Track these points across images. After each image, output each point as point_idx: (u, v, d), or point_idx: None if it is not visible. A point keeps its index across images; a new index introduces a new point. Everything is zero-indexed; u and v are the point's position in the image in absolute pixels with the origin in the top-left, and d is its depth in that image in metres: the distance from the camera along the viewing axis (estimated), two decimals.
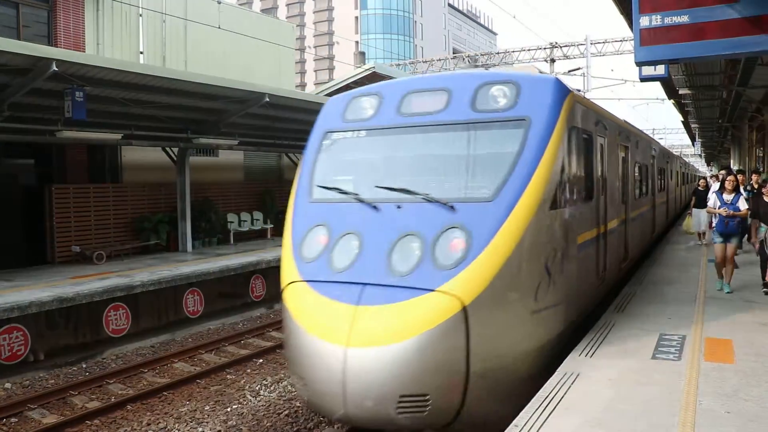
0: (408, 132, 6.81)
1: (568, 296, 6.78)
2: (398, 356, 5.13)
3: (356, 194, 6.45)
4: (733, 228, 9.64)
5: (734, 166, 28.79)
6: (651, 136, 19.26)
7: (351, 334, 5.25)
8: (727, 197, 9.75)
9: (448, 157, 6.54)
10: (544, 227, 6.16)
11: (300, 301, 5.94)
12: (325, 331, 5.42)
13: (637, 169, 11.94)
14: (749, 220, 10.51)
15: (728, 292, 9.50)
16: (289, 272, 6.43)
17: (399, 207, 6.12)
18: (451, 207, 5.87)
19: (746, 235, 11.84)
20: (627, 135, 10.86)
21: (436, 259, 5.58)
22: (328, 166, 7.10)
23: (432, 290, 5.36)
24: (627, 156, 10.66)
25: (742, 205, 9.67)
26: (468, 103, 6.58)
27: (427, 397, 5.20)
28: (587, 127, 7.57)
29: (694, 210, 15.17)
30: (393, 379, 5.13)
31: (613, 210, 9.21)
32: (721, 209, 9.68)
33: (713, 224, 10.17)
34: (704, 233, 14.75)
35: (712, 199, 10.10)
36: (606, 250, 8.67)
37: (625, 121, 11.78)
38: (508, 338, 5.75)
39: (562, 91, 6.61)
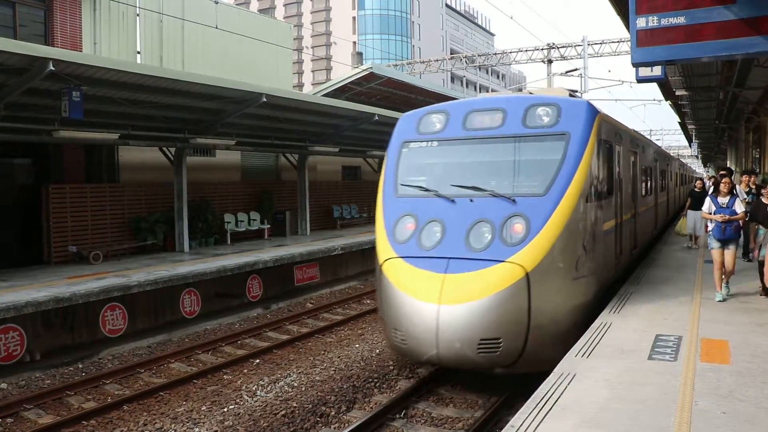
0: (473, 143, 8.67)
1: (597, 269, 8.69)
2: (478, 310, 6.96)
3: (436, 191, 8.29)
4: (731, 233, 8.99)
5: (731, 167, 28.85)
6: (653, 141, 21.54)
7: (442, 295, 7.06)
8: (722, 200, 9.16)
9: (507, 163, 8.29)
10: (581, 216, 8.00)
11: (398, 272, 7.65)
12: (421, 293, 7.22)
13: (643, 171, 13.65)
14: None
15: (724, 297, 9.12)
16: (385, 251, 8.05)
17: (471, 201, 7.98)
18: (513, 200, 7.75)
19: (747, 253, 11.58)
20: (636, 142, 12.60)
21: (503, 239, 7.45)
22: (408, 168, 8.91)
23: (502, 261, 7.21)
24: (636, 160, 12.36)
25: (739, 208, 9.06)
26: (520, 120, 8.45)
27: (500, 341, 7.00)
28: (609, 138, 9.51)
29: (689, 211, 14.51)
30: (474, 327, 6.94)
31: (626, 205, 11.06)
32: (717, 216, 9.02)
33: (709, 228, 9.39)
34: (697, 237, 14.42)
35: (706, 203, 9.43)
36: (621, 237, 10.54)
37: (634, 130, 13.60)
38: (556, 298, 7.55)
39: (593, 111, 8.59)
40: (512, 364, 7.17)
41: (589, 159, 8.15)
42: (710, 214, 9.22)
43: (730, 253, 9.07)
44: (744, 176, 12.27)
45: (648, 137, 18.14)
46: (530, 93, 10.40)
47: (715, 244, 9.14)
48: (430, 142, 8.97)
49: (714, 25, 4.80)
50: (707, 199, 9.47)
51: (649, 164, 14.71)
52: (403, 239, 7.99)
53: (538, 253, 7.29)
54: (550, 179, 7.81)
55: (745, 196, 11.81)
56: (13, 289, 10.80)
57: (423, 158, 8.98)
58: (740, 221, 9.11)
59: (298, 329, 12.40)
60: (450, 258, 7.42)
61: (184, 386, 9.04)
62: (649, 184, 14.67)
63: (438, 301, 7.04)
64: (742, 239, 10.24)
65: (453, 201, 8.05)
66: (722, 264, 9.06)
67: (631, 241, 11.63)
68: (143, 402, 8.43)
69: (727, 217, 8.93)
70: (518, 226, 7.49)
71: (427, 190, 8.39)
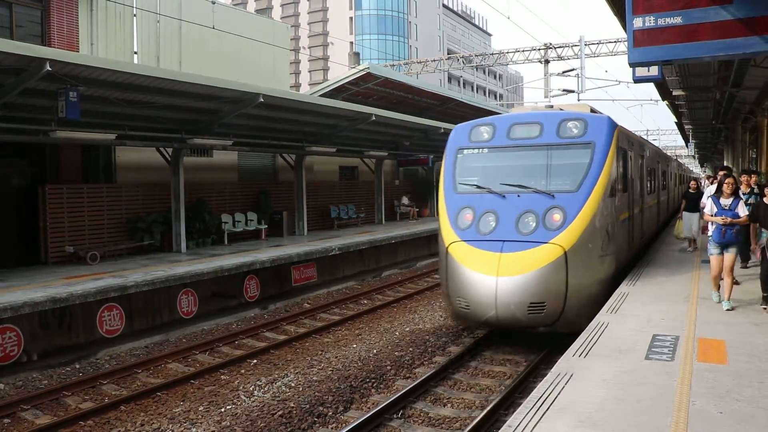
0: (517, 150, 10.47)
1: (617, 250, 10.65)
2: (528, 280, 8.80)
3: (489, 188, 10.08)
4: (732, 237, 8.52)
5: (728, 166, 28.89)
6: (657, 145, 24.36)
7: (499, 269, 8.89)
8: (725, 202, 8.64)
9: (545, 166, 10.05)
10: (605, 208, 9.85)
11: (462, 252, 9.47)
12: (482, 268, 9.05)
13: (649, 173, 15.62)
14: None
15: (728, 309, 8.49)
16: (449, 236, 9.88)
17: (518, 196, 9.79)
18: (552, 195, 9.57)
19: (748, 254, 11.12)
20: (643, 147, 14.75)
21: (545, 225, 9.29)
22: (463, 170, 10.71)
23: (545, 243, 9.06)
24: (643, 163, 14.27)
25: (742, 210, 8.56)
26: (554, 132, 10.29)
27: (544, 304, 8.84)
28: (624, 146, 11.31)
29: (684, 213, 13.97)
30: (525, 293, 8.76)
31: (636, 201, 13.08)
32: (719, 218, 8.54)
33: (709, 230, 8.95)
34: (695, 240, 14.13)
35: (708, 204, 8.94)
36: (633, 227, 12.46)
37: (641, 137, 16.20)
38: (587, 271, 9.43)
39: (613, 125, 10.53)
40: (553, 323, 9.08)
41: (611, 163, 10.02)
42: (711, 216, 8.76)
43: (729, 256, 8.64)
44: (743, 176, 11.53)
45: (652, 142, 22.42)
46: (560, 109, 12.00)
47: (714, 250, 8.72)
48: (481, 149, 10.83)
49: (711, 25, 4.81)
50: (708, 200, 9.02)
51: (653, 166, 16.64)
52: (464, 227, 9.81)
53: (573, 236, 9.16)
54: (580, 179, 9.70)
55: (745, 197, 11.42)
56: (10, 290, 10.77)
57: (476, 162, 10.78)
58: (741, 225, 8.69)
59: (296, 329, 12.40)
60: (504, 241, 9.25)
61: (181, 386, 9.03)
62: (653, 183, 16.61)
63: (496, 273, 8.88)
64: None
65: (503, 196, 9.88)
66: (721, 271, 8.68)
67: (640, 230, 13.64)
68: (140, 402, 8.42)
69: (729, 219, 8.47)
70: (557, 216, 9.36)
71: (481, 188, 10.22)
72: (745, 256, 11.74)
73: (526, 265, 8.87)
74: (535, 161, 10.15)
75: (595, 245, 9.61)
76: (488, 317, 8.94)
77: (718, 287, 8.92)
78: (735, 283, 9.26)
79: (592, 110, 12.02)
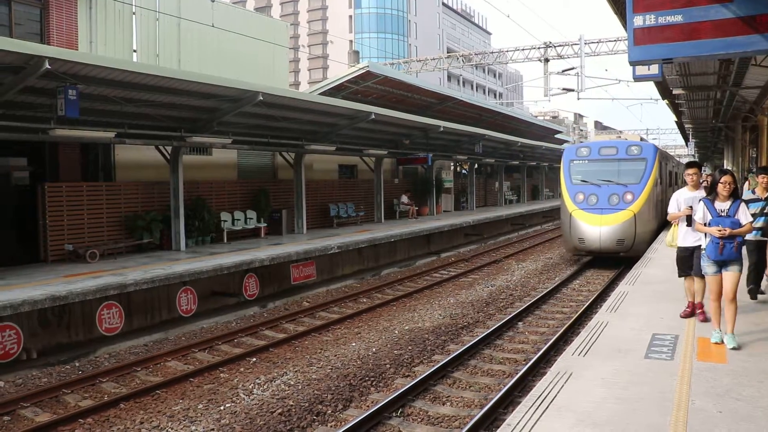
0: (604, 162, 18.53)
1: (657, 215, 18.52)
2: (616, 228, 17.37)
3: (590, 182, 18.16)
4: (732, 253, 6.80)
5: (729, 167, 28.90)
6: (671, 153, 37.05)
7: (601, 223, 17.45)
8: (722, 206, 6.93)
9: (620, 170, 18.10)
10: (653, 193, 17.98)
11: (580, 215, 17.84)
12: (592, 222, 17.65)
13: (669, 173, 22.72)
14: None
15: (733, 348, 6.76)
16: (571, 207, 17.98)
17: (608, 186, 17.96)
18: (625, 185, 17.79)
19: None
20: (668, 159, 23.39)
21: (623, 200, 17.63)
22: (575, 172, 18.65)
23: (624, 210, 17.46)
24: (666, 167, 21.45)
25: (744, 216, 6.86)
26: (625, 152, 18.43)
27: (624, 240, 17.35)
28: (661, 159, 19.39)
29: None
30: (614, 234, 17.39)
31: (664, 191, 20.26)
32: (714, 228, 6.83)
33: (702, 244, 7.21)
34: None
35: (699, 209, 7.14)
36: (663, 204, 17.88)
37: (667, 152, 26.66)
38: (645, 225, 17.67)
39: (655, 148, 18.84)
40: (628, 251, 17.23)
41: (655, 169, 18.16)
42: (705, 225, 7.01)
43: (730, 276, 6.87)
44: (761, 176, 9.43)
45: (671, 154, 33.52)
46: (626, 139, 24.71)
47: (709, 269, 7.03)
48: (583, 160, 18.86)
49: (711, 24, 4.80)
50: (700, 204, 7.17)
51: (671, 169, 24.22)
52: (579, 202, 18.10)
53: (638, 206, 17.48)
54: (640, 177, 17.77)
55: (762, 204, 9.14)
56: (10, 288, 10.76)
57: (581, 168, 18.78)
58: (743, 236, 7.03)
59: (295, 328, 12.39)
60: (602, 209, 17.56)
61: (180, 384, 9.03)
62: (672, 179, 24.12)
63: (600, 225, 17.37)
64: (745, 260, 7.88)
65: (599, 186, 18.05)
66: (720, 293, 6.97)
67: (662, 212, 18.42)
68: (140, 400, 8.42)
69: (728, 230, 6.76)
70: (629, 196, 17.62)
71: (585, 181, 18.39)
72: (757, 283, 9.40)
73: (615, 220, 17.32)
74: (615, 168, 18.22)
75: (648, 212, 17.80)
76: (594, 248, 17.63)
77: (719, 321, 7.10)
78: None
79: (642, 139, 24.73)
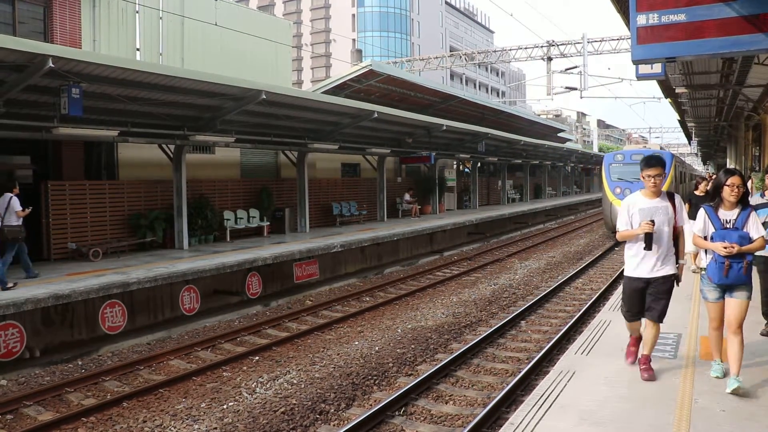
0: (633, 165, 21.77)
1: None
2: None
3: (626, 179, 23.40)
4: (740, 275, 5.41)
5: (732, 166, 28.85)
6: (685, 159, 43.61)
7: None
8: (727, 215, 5.56)
9: None
10: (671, 187, 22.98)
11: (617, 203, 22.50)
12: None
13: (681, 174, 27.06)
14: None
15: (734, 391, 5.31)
16: (611, 197, 23.86)
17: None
18: None
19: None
20: (682, 162, 30.31)
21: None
22: (613, 172, 24.23)
23: None
24: (679, 168, 25.79)
25: (755, 230, 5.45)
26: None
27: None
28: (676, 163, 25.27)
29: (686, 227, 9.41)
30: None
31: (678, 187, 24.17)
32: (718, 244, 5.44)
33: (703, 262, 5.84)
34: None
35: (700, 219, 5.73)
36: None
37: (681, 158, 36.39)
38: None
39: (672, 155, 24.82)
40: None
41: (672, 170, 22.66)
42: (706, 239, 5.65)
43: (736, 303, 5.53)
44: None
45: (684, 159, 48.00)
46: (650, 148, 27.12)
47: (711, 294, 5.68)
48: (619, 164, 23.87)
49: (715, 23, 4.79)
50: (701, 213, 5.75)
51: (683, 171, 29.96)
52: (616, 193, 23.23)
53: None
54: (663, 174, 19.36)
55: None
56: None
57: (617, 169, 23.81)
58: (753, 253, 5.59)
59: (298, 326, 12.40)
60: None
61: (183, 383, 9.04)
62: (683, 177, 28.96)
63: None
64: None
65: (631, 182, 22.02)
66: (722, 321, 5.69)
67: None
68: (143, 399, 8.43)
69: (736, 247, 5.36)
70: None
71: (621, 179, 23.45)
72: None
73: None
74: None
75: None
76: None
77: (720, 351, 5.88)
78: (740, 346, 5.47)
79: (661, 148, 30.04)
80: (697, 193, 11.38)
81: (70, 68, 11.00)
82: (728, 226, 5.50)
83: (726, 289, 5.56)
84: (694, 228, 5.77)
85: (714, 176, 8.62)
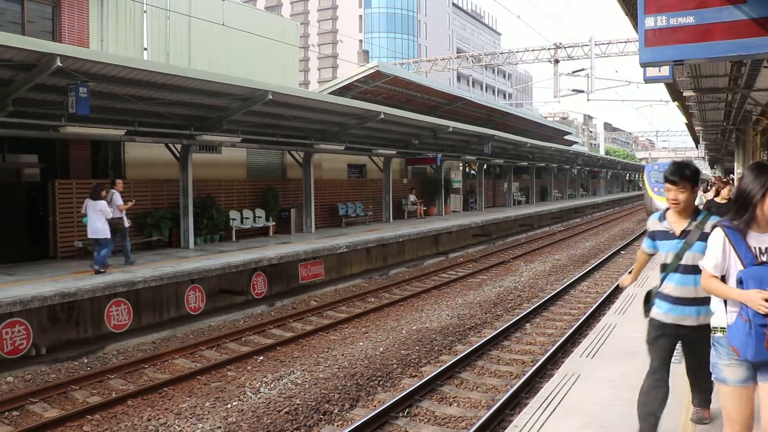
0: None
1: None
2: None
3: (661, 182, 22.54)
4: None
5: (740, 170, 28.80)
6: (682, 157, 48.30)
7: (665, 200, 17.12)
8: (763, 241, 3.28)
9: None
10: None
11: (658, 198, 25.85)
12: (661, 200, 22.94)
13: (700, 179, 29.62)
14: None
15: None
16: (651, 194, 27.73)
17: None
18: None
19: None
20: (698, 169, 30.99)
21: None
22: (653, 177, 27.92)
23: None
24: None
25: None
26: None
27: None
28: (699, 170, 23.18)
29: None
30: None
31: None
32: (753, 293, 3.10)
33: (724, 320, 3.38)
34: None
35: (716, 247, 3.39)
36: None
37: (687, 158, 36.22)
38: None
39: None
40: None
41: None
42: (725, 280, 3.39)
43: None
44: None
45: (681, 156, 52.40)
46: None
47: (732, 374, 3.39)
48: (657, 171, 27.06)
49: (724, 25, 4.76)
50: (716, 237, 3.41)
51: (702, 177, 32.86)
52: (655, 191, 26.86)
53: None
54: None
55: None
56: (20, 284, 10.84)
57: (655, 175, 27.23)
58: None
59: (302, 327, 12.41)
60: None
61: (188, 382, 9.06)
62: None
63: (665, 201, 19.14)
64: None
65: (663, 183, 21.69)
66: (752, 418, 3.47)
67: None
68: (147, 397, 8.46)
69: None
70: None
71: (658, 182, 25.12)
72: None
73: None
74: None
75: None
76: None
77: None
78: None
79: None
80: (717, 200, 8.83)
81: (77, 67, 11.05)
82: (765, 259, 3.23)
83: (759, 367, 3.31)
84: (704, 262, 3.46)
85: (729, 179, 6.34)
